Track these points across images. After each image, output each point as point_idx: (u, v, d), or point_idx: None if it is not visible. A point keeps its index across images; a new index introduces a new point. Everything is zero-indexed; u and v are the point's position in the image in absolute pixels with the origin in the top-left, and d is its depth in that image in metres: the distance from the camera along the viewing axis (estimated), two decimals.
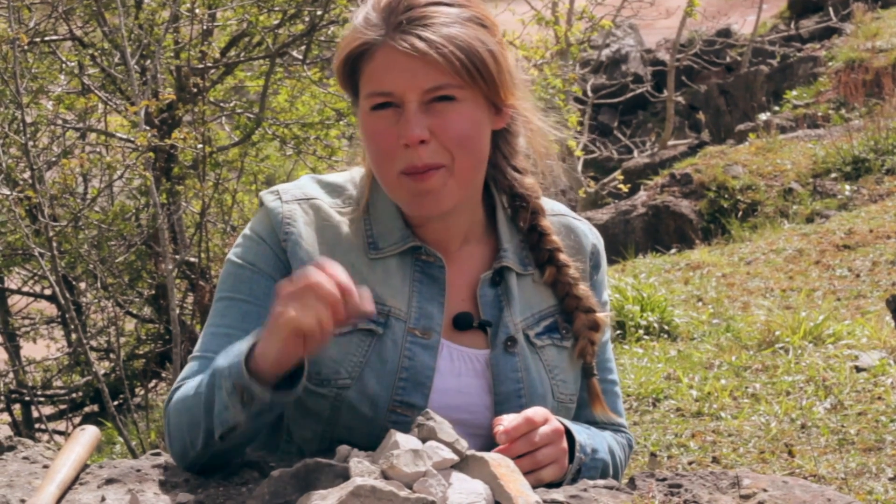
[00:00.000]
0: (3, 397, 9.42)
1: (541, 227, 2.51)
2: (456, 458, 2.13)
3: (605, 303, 2.59)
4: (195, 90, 8.25)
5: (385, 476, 2.06)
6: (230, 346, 2.26)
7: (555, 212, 2.58)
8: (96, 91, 8.45)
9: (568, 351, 2.52)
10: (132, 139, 7.56)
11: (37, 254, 7.08)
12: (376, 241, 2.43)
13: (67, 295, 7.22)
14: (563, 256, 2.50)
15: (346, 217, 2.45)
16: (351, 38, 2.37)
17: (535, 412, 2.32)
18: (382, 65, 2.32)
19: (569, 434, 2.39)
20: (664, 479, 2.32)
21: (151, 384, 9.88)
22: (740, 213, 11.43)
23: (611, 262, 10.66)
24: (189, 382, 2.36)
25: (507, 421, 2.31)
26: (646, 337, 7.53)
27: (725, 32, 20.85)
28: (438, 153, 2.33)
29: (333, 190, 2.49)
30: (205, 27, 8.58)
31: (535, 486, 2.21)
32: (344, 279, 2.13)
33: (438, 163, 2.33)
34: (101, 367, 9.45)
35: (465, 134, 2.34)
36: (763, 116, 14.66)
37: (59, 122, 8.88)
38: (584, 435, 2.45)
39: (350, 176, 2.52)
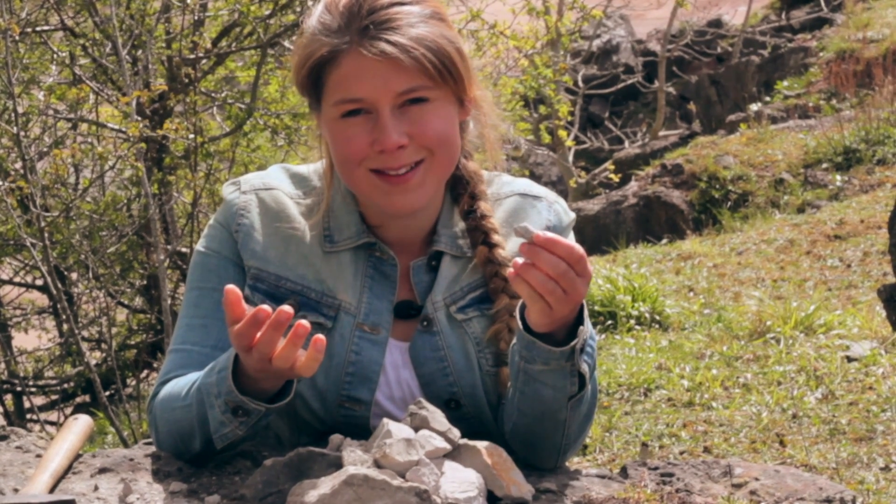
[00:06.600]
0: None
1: (480, 210, 2.45)
2: (449, 447, 2.13)
3: None
4: (186, 80, 8.23)
5: (378, 465, 2.07)
6: (213, 363, 2.27)
7: (516, 191, 2.52)
8: (88, 81, 8.43)
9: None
10: (124, 129, 7.56)
11: (28, 244, 7.08)
12: (332, 234, 2.42)
13: (59, 285, 7.20)
14: (496, 237, 2.43)
15: (304, 208, 2.45)
16: (312, 45, 2.33)
17: (582, 251, 2.14)
18: (351, 71, 2.29)
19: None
20: (656, 468, 2.33)
21: (143, 374, 9.87)
22: (731, 204, 11.44)
23: (602, 252, 10.68)
24: (173, 385, 2.37)
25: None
26: (637, 327, 7.53)
27: (716, 23, 20.85)
28: (417, 152, 2.31)
29: (299, 180, 2.49)
30: (196, 17, 8.57)
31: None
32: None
33: (417, 159, 2.32)
34: (93, 358, 9.44)
35: (442, 133, 2.33)
36: (754, 107, 14.67)
37: (51, 112, 8.87)
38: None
39: (315, 167, 2.51)
